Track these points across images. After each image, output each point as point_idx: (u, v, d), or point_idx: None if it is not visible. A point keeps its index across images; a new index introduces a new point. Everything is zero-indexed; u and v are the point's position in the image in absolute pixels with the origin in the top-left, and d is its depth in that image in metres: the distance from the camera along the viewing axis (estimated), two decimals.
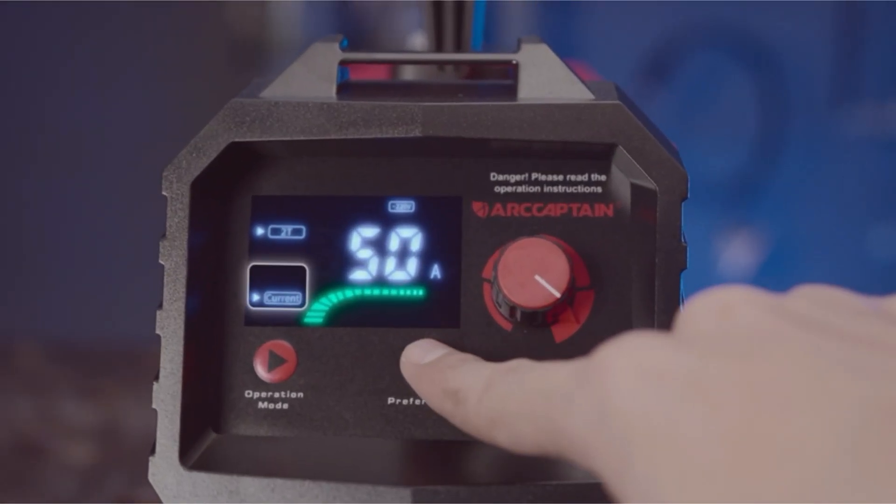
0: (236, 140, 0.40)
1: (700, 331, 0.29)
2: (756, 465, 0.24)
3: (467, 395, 0.35)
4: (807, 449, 0.24)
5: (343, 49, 0.42)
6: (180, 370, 0.39)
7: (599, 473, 0.28)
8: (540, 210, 0.41)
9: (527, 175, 0.41)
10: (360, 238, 0.41)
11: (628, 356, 0.28)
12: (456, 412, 0.35)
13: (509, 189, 0.41)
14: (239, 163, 0.41)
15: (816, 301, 0.29)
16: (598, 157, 0.41)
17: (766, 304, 0.28)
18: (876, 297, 0.30)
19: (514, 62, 0.42)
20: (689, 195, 0.39)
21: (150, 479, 0.39)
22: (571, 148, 0.40)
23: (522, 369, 0.33)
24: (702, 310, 0.29)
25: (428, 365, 0.38)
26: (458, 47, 0.51)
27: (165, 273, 0.40)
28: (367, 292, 0.41)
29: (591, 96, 0.41)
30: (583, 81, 0.41)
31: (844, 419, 0.24)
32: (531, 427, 0.31)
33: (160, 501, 0.39)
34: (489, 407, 0.33)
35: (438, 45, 0.51)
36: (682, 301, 0.39)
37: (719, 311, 0.29)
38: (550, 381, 0.31)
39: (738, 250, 1.49)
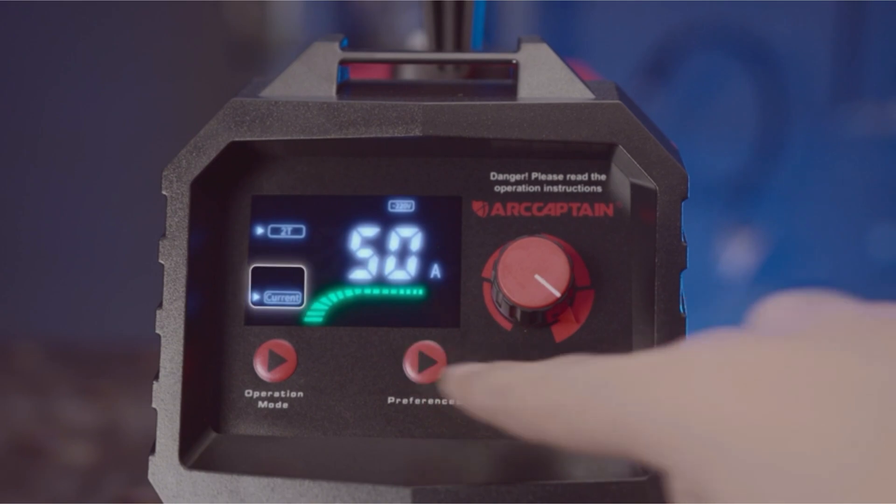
0: (236, 139, 0.40)
1: (783, 326, 0.28)
2: (882, 470, 0.24)
3: (520, 387, 0.33)
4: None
5: (343, 49, 0.42)
6: (180, 370, 0.39)
7: (675, 471, 0.27)
8: (540, 210, 0.41)
9: (527, 175, 0.41)
10: (360, 237, 0.41)
11: (715, 351, 0.27)
12: (505, 406, 0.33)
13: (509, 189, 0.41)
14: (239, 162, 0.41)
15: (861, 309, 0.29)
16: (598, 156, 0.41)
17: (849, 305, 0.28)
18: None
19: (514, 62, 0.42)
20: (689, 195, 0.39)
21: (150, 478, 0.39)
22: (571, 147, 0.40)
23: (583, 359, 0.31)
24: (784, 305, 0.29)
25: (478, 371, 0.35)
26: (458, 47, 0.51)
27: (165, 273, 0.40)
28: (367, 292, 0.41)
29: (592, 96, 0.41)
30: (583, 81, 0.41)
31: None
32: (592, 420, 0.30)
33: (160, 501, 0.39)
34: (546, 396, 0.31)
35: (438, 45, 0.51)
36: (682, 300, 0.39)
37: (805, 307, 0.28)
38: (620, 372, 0.29)
39: (738, 250, 1.49)
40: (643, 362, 0.29)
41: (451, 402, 0.40)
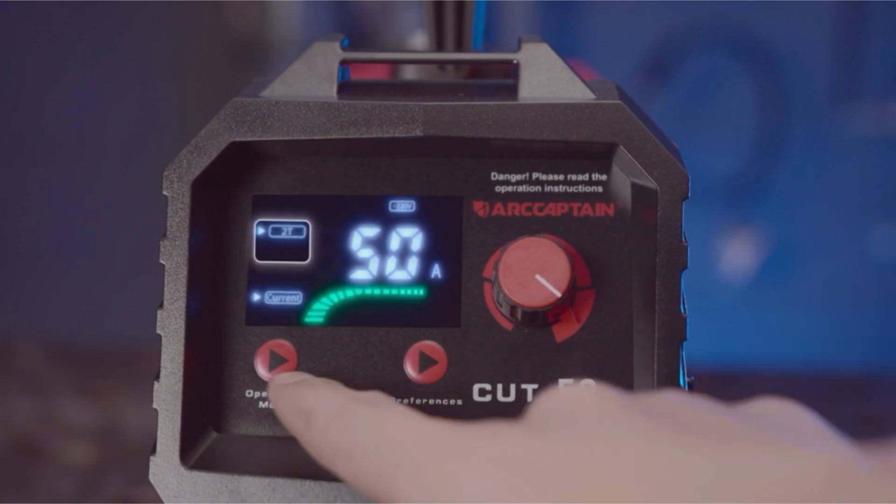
0: (237, 139, 0.40)
1: (549, 418, 0.29)
2: None
3: (318, 418, 0.35)
4: None
5: (344, 48, 0.42)
6: (181, 370, 0.39)
7: None
8: (541, 210, 0.41)
9: (527, 175, 0.41)
10: (360, 237, 0.41)
11: (483, 444, 0.28)
12: (304, 433, 0.35)
13: (510, 188, 0.41)
14: (240, 162, 0.41)
15: (667, 399, 0.30)
16: (598, 156, 0.41)
17: (616, 397, 0.29)
18: (734, 403, 0.31)
19: (514, 62, 0.42)
20: (689, 195, 0.39)
21: (151, 478, 0.39)
22: (572, 147, 0.40)
23: (379, 405, 0.33)
24: (556, 399, 0.30)
25: (290, 384, 0.38)
26: (459, 47, 0.51)
27: (166, 273, 0.40)
28: (368, 292, 0.41)
29: (592, 96, 0.41)
30: (584, 81, 0.41)
31: (678, 496, 0.25)
32: (370, 471, 0.31)
33: (160, 501, 0.39)
34: (335, 435, 0.33)
35: (439, 45, 0.51)
36: (683, 300, 0.39)
37: (571, 401, 0.29)
38: (406, 438, 0.31)
39: (739, 250, 1.49)
40: (427, 434, 0.30)
41: (452, 402, 0.40)
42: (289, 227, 0.41)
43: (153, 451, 0.39)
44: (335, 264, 0.41)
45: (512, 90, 0.42)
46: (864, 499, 0.23)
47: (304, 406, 0.36)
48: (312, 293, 0.41)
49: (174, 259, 0.40)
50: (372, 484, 0.31)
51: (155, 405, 0.39)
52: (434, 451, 0.29)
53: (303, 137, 0.40)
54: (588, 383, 0.30)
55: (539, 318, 0.39)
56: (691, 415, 0.29)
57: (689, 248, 0.39)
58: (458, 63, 0.51)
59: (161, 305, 0.40)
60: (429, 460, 0.29)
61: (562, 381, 0.30)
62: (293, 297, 0.41)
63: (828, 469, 0.25)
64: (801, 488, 0.24)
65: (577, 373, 0.39)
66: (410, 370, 0.40)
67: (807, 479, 0.25)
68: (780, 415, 0.30)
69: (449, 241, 0.41)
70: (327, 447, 0.33)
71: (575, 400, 0.29)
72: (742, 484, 0.25)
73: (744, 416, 0.29)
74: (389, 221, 0.41)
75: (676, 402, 0.30)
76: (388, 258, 0.41)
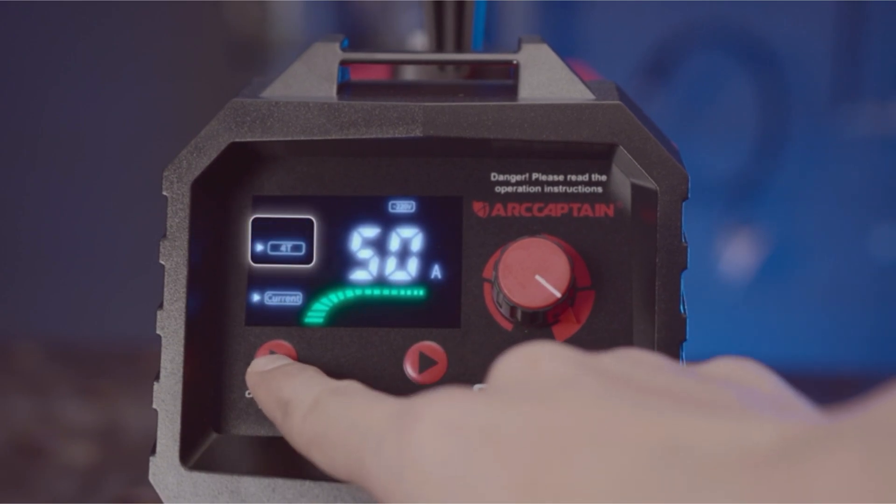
0: (237, 140, 0.40)
1: (505, 383, 0.29)
2: None
3: (295, 408, 0.35)
4: (589, 492, 0.25)
5: (343, 49, 0.42)
6: (181, 370, 0.39)
7: None
8: (540, 210, 0.41)
9: (527, 175, 0.41)
10: (360, 238, 0.41)
11: (437, 408, 0.28)
12: (283, 425, 0.36)
13: (510, 189, 0.41)
14: (239, 163, 0.41)
15: (624, 359, 0.30)
16: (598, 157, 0.41)
17: (571, 358, 0.29)
18: (694, 363, 0.30)
19: (514, 62, 0.42)
20: (689, 195, 0.39)
21: (151, 479, 0.39)
22: (572, 148, 0.40)
23: (350, 394, 0.33)
24: (511, 363, 0.30)
25: (268, 372, 0.38)
26: (459, 47, 0.51)
27: (166, 273, 0.40)
28: (368, 292, 0.41)
29: (592, 96, 0.41)
30: (583, 81, 0.41)
31: (627, 460, 0.25)
32: (343, 458, 0.31)
33: (160, 501, 0.39)
34: (311, 426, 0.34)
35: (439, 45, 0.51)
36: (683, 300, 0.39)
37: (526, 364, 0.29)
38: (369, 417, 0.31)
39: (739, 250, 1.49)
40: (389, 409, 0.30)
41: None
42: (289, 227, 0.41)
43: (153, 451, 0.39)
44: (335, 265, 0.41)
45: (512, 90, 0.42)
46: (813, 466, 0.23)
47: (283, 396, 0.36)
48: (312, 293, 0.41)
49: (174, 259, 0.40)
50: (347, 470, 0.31)
51: (155, 405, 0.39)
52: (394, 423, 0.29)
53: (303, 138, 0.40)
54: (544, 344, 0.30)
55: (539, 319, 0.39)
56: (646, 375, 0.28)
57: (689, 249, 0.39)
58: (458, 63, 0.51)
59: (161, 306, 0.40)
60: (390, 433, 0.29)
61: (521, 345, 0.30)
62: (293, 298, 0.41)
63: (779, 436, 0.25)
64: (753, 456, 0.24)
65: None
66: (410, 370, 0.40)
67: (758, 447, 0.24)
68: (740, 375, 0.29)
69: (449, 241, 0.41)
70: (304, 439, 0.34)
71: (531, 362, 0.29)
72: (692, 449, 0.25)
73: (701, 376, 0.29)
74: (389, 222, 0.41)
75: (633, 361, 0.29)
76: (387, 258, 0.41)
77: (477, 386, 0.40)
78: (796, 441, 0.24)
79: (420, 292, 0.41)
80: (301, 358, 0.40)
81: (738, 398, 0.27)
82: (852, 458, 0.22)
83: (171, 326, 0.40)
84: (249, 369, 0.39)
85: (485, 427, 0.27)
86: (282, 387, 0.37)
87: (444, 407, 0.28)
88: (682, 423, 0.26)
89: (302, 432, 0.34)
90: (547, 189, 0.41)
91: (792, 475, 0.23)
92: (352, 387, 0.34)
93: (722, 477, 0.24)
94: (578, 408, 0.27)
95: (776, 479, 0.23)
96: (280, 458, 0.39)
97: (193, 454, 0.39)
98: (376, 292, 0.41)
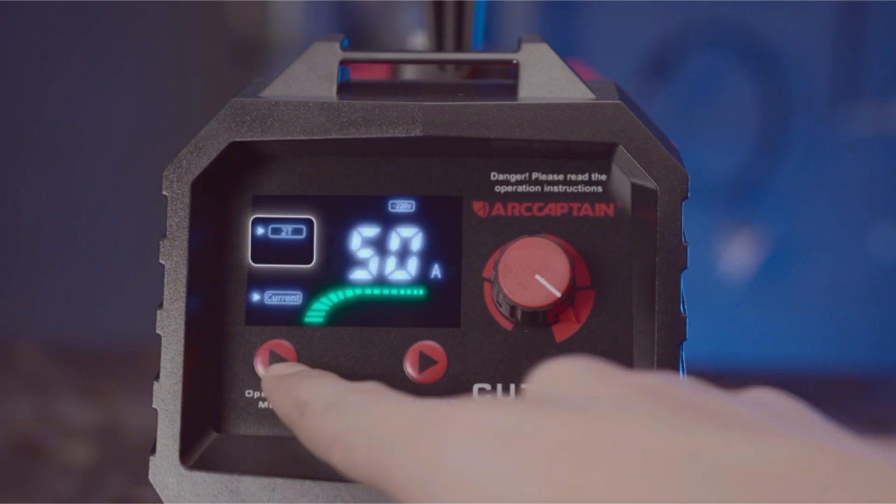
0: (237, 139, 0.40)
1: (539, 393, 0.29)
2: None
3: (315, 407, 0.34)
4: (607, 501, 0.25)
5: (343, 49, 0.42)
6: (181, 370, 0.39)
7: None
8: (540, 210, 0.41)
9: (527, 175, 0.41)
10: (360, 237, 0.41)
11: (472, 411, 0.28)
12: (300, 423, 0.35)
13: (510, 189, 0.41)
14: (239, 162, 0.41)
15: (657, 376, 0.29)
16: (598, 156, 0.41)
17: (603, 372, 0.29)
18: (733, 391, 0.30)
19: (514, 62, 0.42)
20: (689, 195, 0.39)
21: (151, 478, 0.39)
22: (572, 147, 0.40)
23: (376, 394, 0.33)
24: (547, 375, 0.30)
25: (286, 375, 0.38)
26: (459, 47, 0.51)
27: (166, 273, 0.40)
28: (368, 292, 0.41)
29: (592, 96, 0.41)
30: (583, 81, 0.41)
31: (645, 472, 0.25)
32: (365, 457, 0.31)
33: (160, 501, 0.39)
34: (331, 424, 0.33)
35: (439, 45, 0.51)
36: (683, 300, 0.39)
37: (561, 376, 0.29)
38: (396, 417, 0.30)
39: (739, 250, 1.49)
40: (419, 411, 0.30)
41: None
42: (289, 227, 0.41)
43: (153, 451, 0.39)
44: (335, 264, 0.41)
45: (512, 90, 0.42)
46: (876, 488, 0.23)
47: (300, 397, 0.35)
48: (312, 293, 0.41)
49: (174, 259, 0.40)
50: (369, 472, 0.31)
51: (155, 405, 0.39)
52: (425, 426, 0.29)
53: (303, 137, 0.40)
54: (582, 358, 0.30)
55: (539, 318, 0.39)
56: (690, 396, 0.28)
57: (688, 248, 0.39)
58: (458, 63, 0.51)
59: (161, 305, 0.40)
60: (420, 437, 0.29)
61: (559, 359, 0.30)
62: (293, 297, 0.41)
63: (836, 459, 0.25)
64: (812, 478, 0.24)
65: None
66: (410, 370, 0.40)
67: (816, 469, 0.24)
68: (778, 404, 0.29)
69: (449, 241, 0.41)
70: (322, 437, 0.33)
71: (573, 377, 0.29)
72: (750, 471, 0.24)
73: (743, 401, 0.29)
74: (389, 221, 0.41)
75: (672, 383, 0.29)
76: (387, 258, 0.41)
77: (477, 386, 0.40)
78: (853, 464, 0.24)
79: (420, 292, 0.41)
80: (301, 358, 0.40)
81: (783, 424, 0.27)
82: (887, 491, 0.23)
83: (170, 326, 0.40)
84: (266, 373, 0.39)
85: (524, 433, 0.27)
86: (301, 388, 0.36)
87: (480, 411, 0.28)
88: (736, 444, 0.25)
89: (322, 431, 0.33)
90: (547, 189, 0.41)
91: (824, 500, 0.23)
92: (374, 387, 0.34)
93: (751, 491, 0.24)
94: (601, 418, 0.27)
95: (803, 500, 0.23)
96: (280, 458, 0.39)
97: (193, 454, 0.39)
98: (376, 292, 0.41)
